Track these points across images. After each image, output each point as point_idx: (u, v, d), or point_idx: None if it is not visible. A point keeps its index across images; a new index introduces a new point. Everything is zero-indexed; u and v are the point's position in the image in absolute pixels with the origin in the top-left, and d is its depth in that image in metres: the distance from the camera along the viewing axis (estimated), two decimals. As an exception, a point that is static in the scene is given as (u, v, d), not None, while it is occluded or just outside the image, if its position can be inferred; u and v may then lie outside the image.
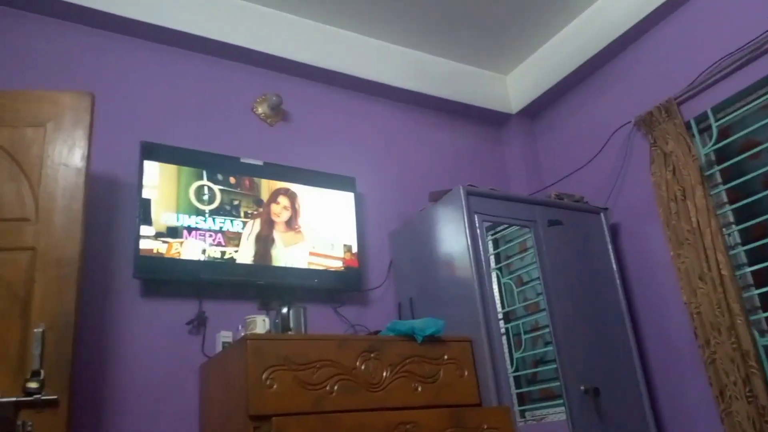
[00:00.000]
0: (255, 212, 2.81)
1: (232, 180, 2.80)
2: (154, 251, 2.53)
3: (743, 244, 2.83)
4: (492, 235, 3.07)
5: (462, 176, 3.46)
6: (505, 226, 3.02)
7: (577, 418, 2.60)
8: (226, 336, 2.45)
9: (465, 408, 2.32)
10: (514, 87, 3.94)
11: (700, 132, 3.02)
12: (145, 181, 2.59)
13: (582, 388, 2.66)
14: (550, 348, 2.75)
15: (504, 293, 3.07)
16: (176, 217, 2.61)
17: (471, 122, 3.88)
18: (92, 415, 2.31)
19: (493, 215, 2.85)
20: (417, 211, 3.15)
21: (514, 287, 3.08)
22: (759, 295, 2.75)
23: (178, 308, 2.59)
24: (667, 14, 3.16)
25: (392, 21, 3.39)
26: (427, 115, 3.72)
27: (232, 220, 2.75)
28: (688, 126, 3.00)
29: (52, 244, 2.07)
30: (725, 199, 2.94)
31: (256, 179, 2.87)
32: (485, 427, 2.27)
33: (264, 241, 2.80)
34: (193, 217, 2.65)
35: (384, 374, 2.26)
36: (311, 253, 2.89)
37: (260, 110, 3.13)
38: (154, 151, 2.65)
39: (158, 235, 2.55)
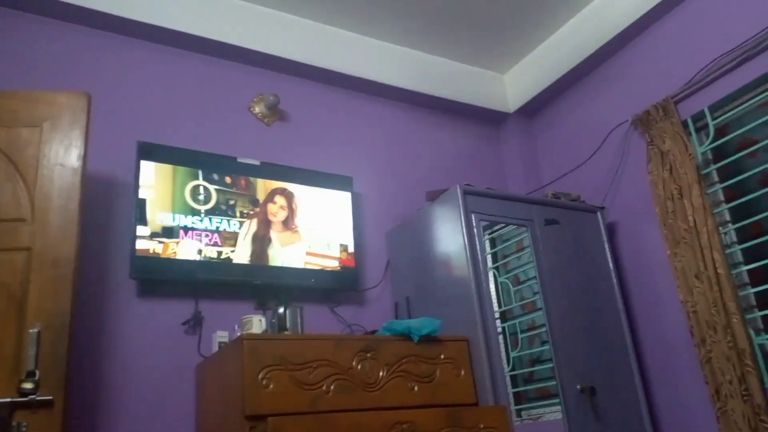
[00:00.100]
0: (251, 212, 2.81)
1: (227, 180, 2.80)
2: (151, 251, 2.53)
3: (739, 243, 2.84)
4: (489, 234, 3.06)
5: (459, 175, 3.46)
6: (502, 225, 3.02)
7: (574, 417, 2.61)
8: (222, 336, 2.45)
9: (461, 407, 2.32)
10: (511, 86, 3.94)
11: (697, 130, 3.02)
12: (141, 181, 2.59)
13: (578, 387, 2.66)
14: (546, 347, 2.75)
15: (501, 292, 3.07)
16: (172, 217, 2.61)
17: (468, 121, 3.88)
18: (88, 415, 2.31)
19: (490, 214, 2.85)
20: (414, 210, 3.15)
21: (511, 286, 3.08)
22: (755, 293, 2.75)
23: (174, 308, 2.59)
24: (664, 13, 3.16)
25: (389, 20, 3.39)
26: (424, 114, 3.72)
27: (228, 220, 2.74)
28: (685, 124, 3.00)
29: (48, 244, 2.06)
30: (722, 198, 2.94)
31: (251, 179, 2.87)
32: (482, 426, 2.27)
33: (261, 241, 2.80)
34: (189, 217, 2.65)
35: (380, 374, 2.26)
36: (308, 253, 2.89)
37: (257, 110, 3.13)
38: (150, 151, 2.65)
39: (153, 235, 2.55)
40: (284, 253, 2.83)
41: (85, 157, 2.19)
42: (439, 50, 3.68)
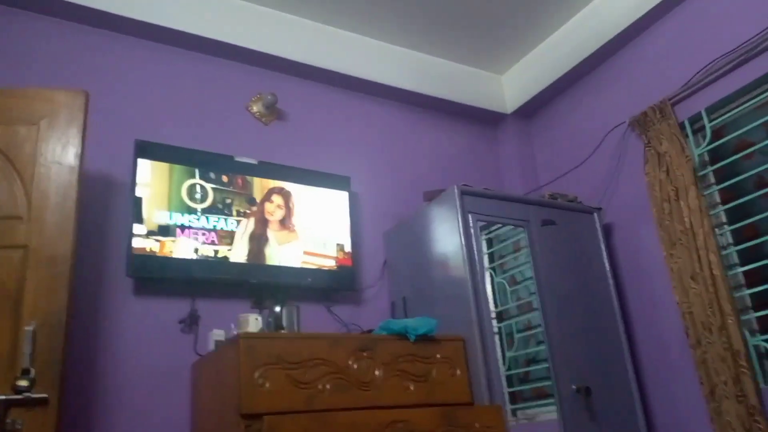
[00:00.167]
0: (248, 211, 2.81)
1: (224, 178, 2.80)
2: (147, 250, 2.53)
3: (735, 245, 2.85)
4: (486, 234, 3.07)
5: (456, 176, 3.46)
6: (499, 225, 3.03)
7: (569, 418, 2.61)
8: (218, 334, 2.44)
9: (457, 407, 2.33)
10: (509, 87, 3.94)
11: (694, 132, 3.03)
12: (138, 180, 2.59)
13: (574, 387, 2.67)
14: (542, 347, 2.76)
15: (497, 292, 3.08)
16: (168, 215, 2.61)
17: (466, 122, 3.88)
18: (83, 413, 2.31)
19: (487, 215, 2.86)
20: (411, 210, 3.16)
21: (507, 287, 3.08)
22: (750, 294, 2.76)
23: (170, 307, 2.59)
24: (662, 15, 3.17)
25: (388, 20, 3.39)
26: (422, 115, 3.72)
27: (225, 219, 2.75)
28: (682, 126, 3.01)
29: (44, 242, 2.06)
30: (718, 200, 2.95)
31: (248, 178, 2.87)
32: (477, 425, 2.28)
33: (258, 240, 2.80)
34: (186, 216, 2.65)
35: (376, 373, 2.26)
36: (305, 252, 2.89)
37: (255, 109, 3.13)
38: (148, 150, 2.65)
39: (150, 234, 2.55)
40: (281, 252, 2.83)
41: (82, 156, 2.19)
42: (438, 51, 3.68)
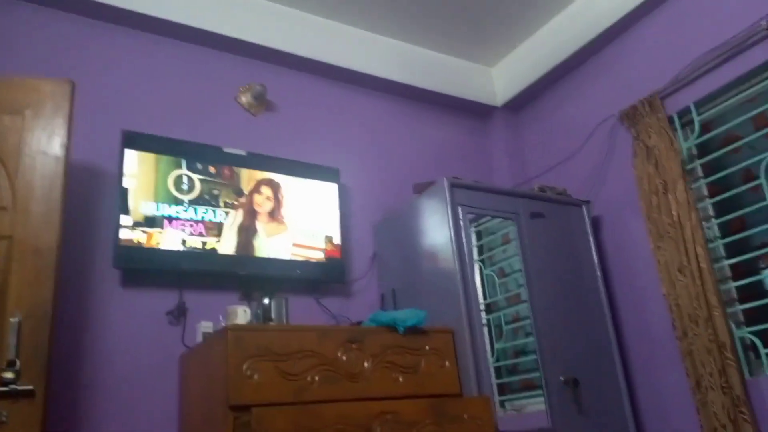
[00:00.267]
0: (235, 202, 2.80)
1: (212, 169, 2.78)
2: (135, 241, 2.51)
3: (722, 238, 2.87)
4: (475, 226, 3.07)
5: (446, 168, 3.46)
6: (488, 218, 3.03)
7: (557, 409, 2.63)
8: (206, 326, 2.43)
9: (446, 398, 2.34)
10: (499, 79, 3.94)
11: (683, 126, 3.05)
12: (124, 170, 2.56)
13: (561, 378, 2.68)
14: (530, 339, 2.77)
15: (486, 284, 3.08)
16: (154, 206, 2.59)
17: (456, 114, 3.88)
18: (69, 405, 2.29)
19: (477, 207, 2.86)
20: (401, 202, 3.15)
21: (496, 279, 3.09)
22: (736, 287, 2.78)
23: (158, 298, 2.58)
24: (652, 9, 3.17)
25: (378, 11, 3.37)
26: (412, 107, 3.71)
27: (214, 210, 2.73)
28: (670, 120, 3.02)
29: (29, 233, 2.04)
30: (705, 193, 2.97)
31: (236, 169, 2.85)
32: (465, 416, 2.29)
33: (246, 232, 2.78)
34: (173, 207, 2.63)
35: (365, 365, 2.26)
36: (294, 244, 2.88)
37: (244, 100, 3.11)
38: (135, 140, 2.63)
39: (136, 225, 2.52)
40: (270, 244, 2.82)
41: (68, 146, 2.17)
42: (428, 42, 3.67)
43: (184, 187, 2.69)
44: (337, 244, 2.99)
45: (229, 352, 2.02)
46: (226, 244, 2.71)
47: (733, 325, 2.67)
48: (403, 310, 2.57)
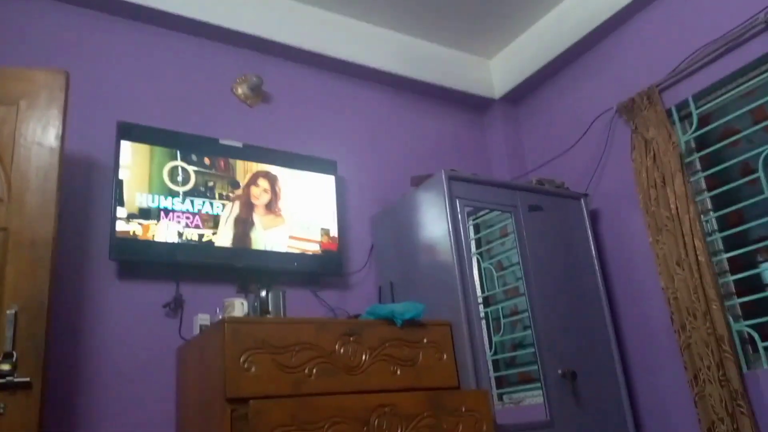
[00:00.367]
0: (230, 194, 2.78)
1: (206, 161, 2.76)
2: (131, 233, 2.49)
3: (720, 231, 2.86)
4: (473, 219, 3.07)
5: (444, 161, 3.45)
6: (486, 210, 3.02)
7: (554, 402, 2.63)
8: (203, 319, 2.43)
9: (443, 391, 2.33)
10: (497, 72, 3.92)
11: (681, 119, 3.04)
12: (120, 162, 2.54)
13: (559, 371, 2.68)
14: (528, 332, 2.77)
15: (484, 278, 3.08)
16: (149, 198, 2.57)
17: (454, 107, 3.86)
18: (66, 397, 2.28)
19: (475, 200, 2.85)
20: (398, 195, 3.14)
21: (494, 272, 3.09)
22: (734, 281, 2.78)
23: (155, 291, 2.56)
24: (651, 1, 3.16)
25: (375, 2, 3.35)
26: (410, 99, 3.70)
27: (211, 203, 2.71)
28: (669, 113, 3.01)
29: (25, 224, 2.02)
30: (704, 186, 2.96)
31: (231, 160, 2.82)
32: (463, 409, 2.29)
33: (243, 224, 2.77)
34: (169, 199, 2.61)
35: (363, 357, 2.25)
36: (291, 237, 2.87)
37: (240, 91, 3.09)
38: (131, 132, 2.61)
39: (130, 217, 2.51)
40: (267, 237, 2.81)
41: (63, 137, 2.15)
42: (426, 34, 3.65)
43: (179, 178, 2.67)
44: (334, 237, 2.98)
45: (226, 345, 2.01)
46: (223, 237, 2.70)
47: (731, 319, 2.68)
48: (400, 303, 2.56)
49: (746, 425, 2.49)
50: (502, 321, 2.99)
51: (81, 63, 2.66)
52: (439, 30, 3.62)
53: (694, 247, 2.72)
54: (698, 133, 2.97)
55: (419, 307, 2.44)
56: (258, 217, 2.82)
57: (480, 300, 2.78)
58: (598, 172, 3.33)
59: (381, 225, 3.17)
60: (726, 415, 2.53)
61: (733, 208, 2.80)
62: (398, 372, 2.31)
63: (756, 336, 2.64)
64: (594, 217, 3.26)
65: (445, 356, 2.44)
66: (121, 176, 2.53)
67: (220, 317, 2.27)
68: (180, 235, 2.60)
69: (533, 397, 2.69)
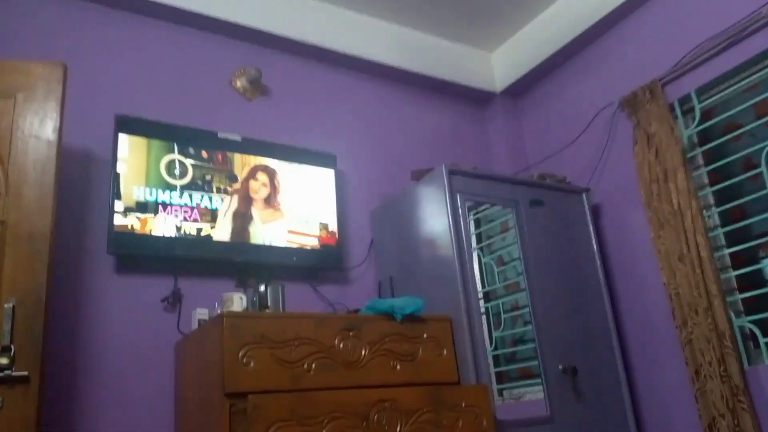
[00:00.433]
0: (228, 188, 2.76)
1: (204, 154, 2.74)
2: (129, 227, 2.48)
3: (722, 226, 2.85)
4: (473, 214, 3.05)
5: (444, 155, 3.43)
6: (487, 205, 3.01)
7: (555, 397, 2.62)
8: (202, 313, 2.41)
9: (443, 386, 2.32)
10: (499, 65, 3.90)
11: (684, 114, 3.02)
12: (118, 155, 2.53)
13: (560, 367, 2.67)
14: (529, 327, 2.75)
15: (484, 273, 3.06)
16: (147, 191, 2.55)
17: (455, 100, 3.84)
18: (65, 392, 2.27)
19: (476, 195, 2.84)
20: (398, 189, 3.12)
21: (495, 267, 3.07)
22: (736, 276, 2.77)
23: (153, 285, 2.55)
24: (654, -6, 3.14)
25: (376, -5, 3.33)
26: (411, 92, 3.67)
27: (210, 197, 2.69)
28: (671, 107, 2.99)
29: (22, 218, 2.01)
30: (706, 181, 2.94)
31: (229, 154, 2.80)
32: (463, 405, 2.28)
33: (242, 218, 2.75)
34: (167, 193, 2.60)
35: (363, 352, 2.24)
36: (290, 231, 2.85)
37: (239, 84, 3.07)
38: (128, 125, 2.59)
39: (127, 210, 2.49)
40: (266, 231, 2.79)
41: (60, 130, 2.14)
42: (426, 27, 3.63)
43: (177, 172, 2.65)
44: (333, 231, 2.97)
45: (225, 339, 2.00)
46: (221, 231, 2.69)
47: (732, 314, 2.66)
48: (400, 297, 2.55)
49: (747, 421, 2.48)
50: (503, 316, 2.98)
51: (79, 55, 2.64)
52: (439, 23, 3.59)
53: (696, 242, 2.70)
54: (701, 127, 2.95)
55: (419, 302, 2.43)
56: (257, 211, 2.80)
57: (480, 295, 2.77)
58: (599, 167, 3.31)
59: (381, 219, 3.16)
60: (727, 410, 2.52)
61: (736, 203, 2.78)
62: (398, 367, 2.30)
63: (757, 332, 2.63)
64: (596, 212, 3.25)
65: (445, 351, 2.43)
66: (118, 170, 2.51)
67: (219, 312, 2.26)
68: (178, 229, 2.58)
69: (534, 393, 2.69)
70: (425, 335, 2.41)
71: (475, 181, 2.85)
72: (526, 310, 2.78)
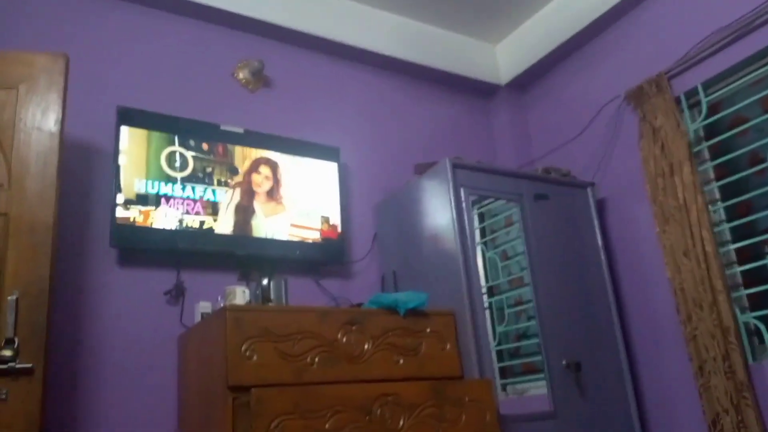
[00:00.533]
0: (229, 180, 2.75)
1: (204, 146, 2.72)
2: (131, 220, 2.47)
3: (728, 221, 2.83)
4: (477, 208, 3.03)
5: (448, 148, 3.41)
6: (491, 199, 2.99)
7: (559, 393, 2.61)
8: (205, 306, 2.41)
9: (446, 381, 2.32)
10: (503, 57, 3.87)
11: (690, 107, 3.00)
12: (120, 147, 2.52)
13: (564, 362, 2.66)
14: (533, 322, 2.75)
15: (488, 267, 3.05)
16: (147, 184, 2.54)
17: (459, 93, 3.82)
18: (68, 384, 2.28)
19: (480, 189, 2.82)
20: (402, 183, 3.11)
21: (499, 261, 3.06)
22: (741, 272, 2.75)
23: (156, 278, 2.54)
24: (661, -14, 3.11)
25: (380, -13, 3.30)
26: (415, 85, 3.65)
27: (213, 190, 2.68)
28: (677, 101, 2.97)
29: (25, 210, 2.01)
30: (712, 176, 2.92)
31: (229, 146, 2.79)
32: (467, 399, 2.28)
33: (244, 212, 2.74)
34: (169, 185, 2.58)
35: (366, 346, 2.24)
36: (292, 225, 2.84)
37: (241, 76, 3.05)
38: (131, 116, 2.58)
39: (128, 203, 2.48)
40: (268, 225, 2.78)
41: (62, 121, 2.13)
42: (431, 18, 3.60)
43: (177, 164, 2.64)
44: (334, 225, 2.95)
45: (228, 333, 1.99)
46: (224, 224, 2.68)
47: (737, 310, 2.65)
48: (404, 292, 2.54)
49: (751, 417, 2.47)
50: (506, 311, 2.97)
51: (81, 47, 2.62)
52: (444, 14, 3.56)
53: (702, 237, 2.69)
54: (707, 121, 2.93)
55: (422, 297, 2.42)
56: (259, 204, 2.79)
57: (484, 290, 2.76)
58: (604, 161, 3.29)
59: (384, 213, 3.14)
60: (731, 406, 2.51)
61: (742, 198, 2.76)
62: (401, 361, 2.29)
63: (762, 328, 2.61)
64: (600, 206, 3.23)
65: (448, 346, 2.43)
66: (119, 162, 2.50)
67: (222, 305, 2.25)
68: (180, 222, 2.57)
69: (537, 388, 2.68)
70: (428, 329, 2.40)
71: (479, 174, 2.83)
72: (530, 305, 2.77)
